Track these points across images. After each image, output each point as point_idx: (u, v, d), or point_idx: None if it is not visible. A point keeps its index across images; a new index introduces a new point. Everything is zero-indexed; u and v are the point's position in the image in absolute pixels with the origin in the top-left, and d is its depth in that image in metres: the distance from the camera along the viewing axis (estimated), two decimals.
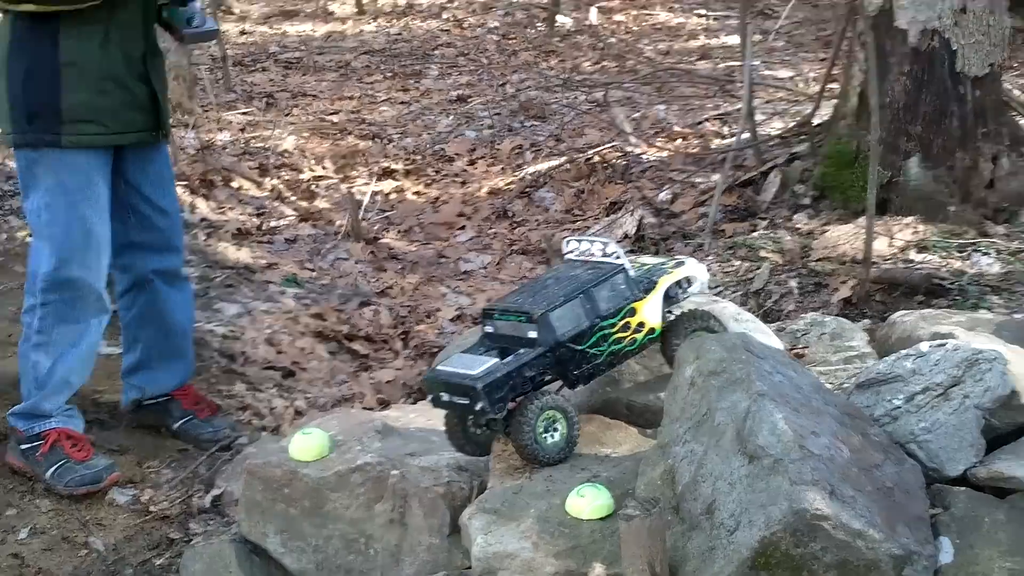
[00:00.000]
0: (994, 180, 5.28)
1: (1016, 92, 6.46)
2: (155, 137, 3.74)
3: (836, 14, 6.81)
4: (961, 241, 4.98)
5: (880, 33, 5.15)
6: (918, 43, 5.13)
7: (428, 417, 3.37)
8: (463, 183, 6.25)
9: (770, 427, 2.63)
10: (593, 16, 9.57)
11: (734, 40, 8.63)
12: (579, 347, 3.10)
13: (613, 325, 3.16)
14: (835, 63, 5.83)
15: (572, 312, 3.09)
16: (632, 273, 3.22)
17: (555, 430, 3.03)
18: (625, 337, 3.18)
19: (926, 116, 5.21)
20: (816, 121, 5.89)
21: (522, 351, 3.07)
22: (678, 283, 3.33)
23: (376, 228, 5.68)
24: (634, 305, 3.20)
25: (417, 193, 6.15)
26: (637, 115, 7.00)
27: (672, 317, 3.29)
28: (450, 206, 5.92)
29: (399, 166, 6.42)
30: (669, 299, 3.30)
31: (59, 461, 3.64)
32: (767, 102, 6.96)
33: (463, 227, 5.72)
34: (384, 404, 4.02)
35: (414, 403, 3.83)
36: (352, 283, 4.98)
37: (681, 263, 3.38)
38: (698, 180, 5.86)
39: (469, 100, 7.53)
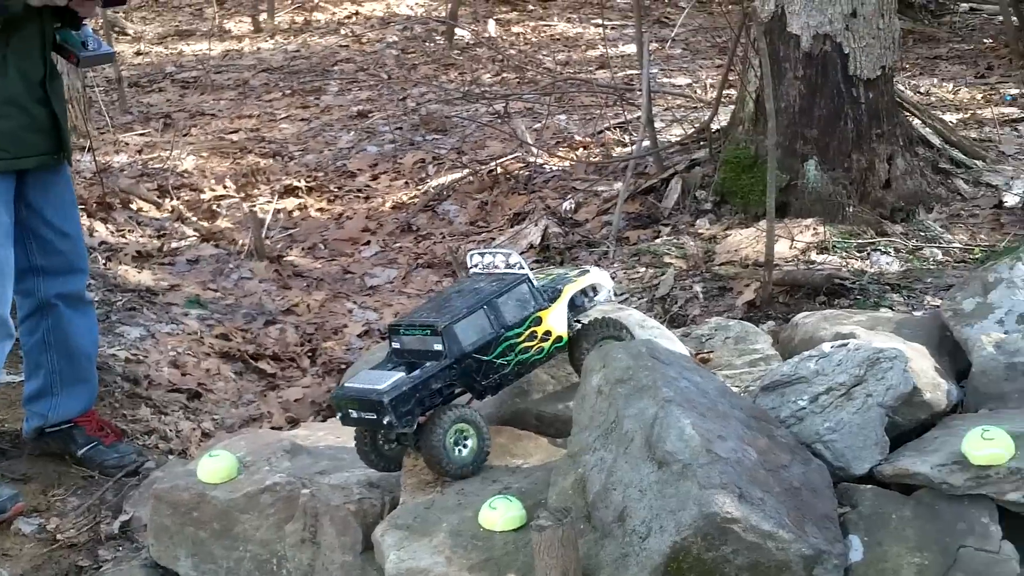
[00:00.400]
0: (890, 180, 5.38)
1: (908, 93, 6.60)
2: (57, 160, 3.69)
3: (731, 21, 6.90)
4: (860, 241, 5.07)
5: (774, 39, 5.22)
6: (811, 48, 5.20)
7: (338, 435, 3.35)
8: (367, 198, 6.21)
9: (678, 433, 2.65)
10: (491, 28, 9.59)
11: (631, 49, 8.70)
12: (485, 357, 3.11)
13: (519, 335, 3.17)
14: (731, 69, 5.90)
15: (477, 323, 3.10)
16: (536, 283, 3.23)
17: (465, 442, 3.02)
18: (532, 346, 3.19)
19: (821, 119, 5.29)
20: (714, 127, 5.95)
21: (428, 364, 3.06)
22: (584, 291, 3.35)
23: (280, 246, 5.63)
24: (539, 314, 3.21)
25: (320, 210, 6.11)
26: (538, 126, 7.02)
27: (579, 326, 3.30)
28: (354, 222, 5.88)
29: (301, 183, 6.36)
30: (575, 307, 3.32)
31: None
32: (666, 109, 7.03)
33: (368, 242, 5.69)
34: (293, 423, 3.99)
35: (323, 421, 3.80)
36: (257, 302, 4.93)
37: (586, 272, 3.40)
38: (601, 188, 5.89)
39: (370, 115, 7.49)
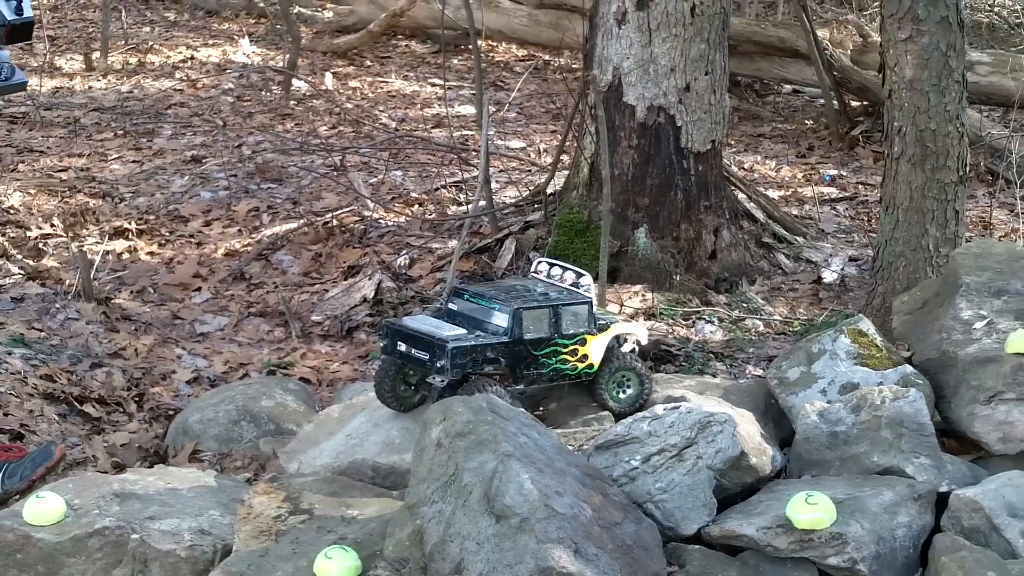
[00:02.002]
0: (716, 251, 5.55)
1: (734, 168, 6.85)
2: None
3: (569, 87, 7.05)
4: (686, 309, 5.21)
5: (610, 108, 5.35)
6: (645, 119, 5.35)
7: (167, 480, 3.28)
8: (199, 244, 6.09)
9: (517, 487, 2.67)
10: (329, 81, 9.57)
11: (468, 110, 8.81)
12: (535, 351, 3.45)
13: (566, 346, 3.50)
14: (567, 135, 6.03)
15: (541, 318, 3.44)
16: (596, 309, 3.56)
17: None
18: (570, 361, 3.52)
19: (653, 189, 5.43)
20: (549, 190, 6.05)
21: (490, 334, 3.39)
22: (618, 336, 3.66)
23: (108, 288, 5.46)
24: (587, 337, 3.53)
25: (151, 253, 5.96)
26: (375, 180, 7.02)
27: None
28: (185, 267, 5.75)
29: (132, 225, 6.20)
30: (609, 346, 3.62)
31: None
32: (502, 171, 7.12)
33: (199, 288, 5.57)
34: (119, 467, 3.86)
35: (151, 466, 3.69)
36: (83, 344, 4.77)
37: (631, 320, 3.79)
38: (435, 246, 5.92)
39: (204, 161, 7.36)
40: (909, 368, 3.49)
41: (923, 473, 3.09)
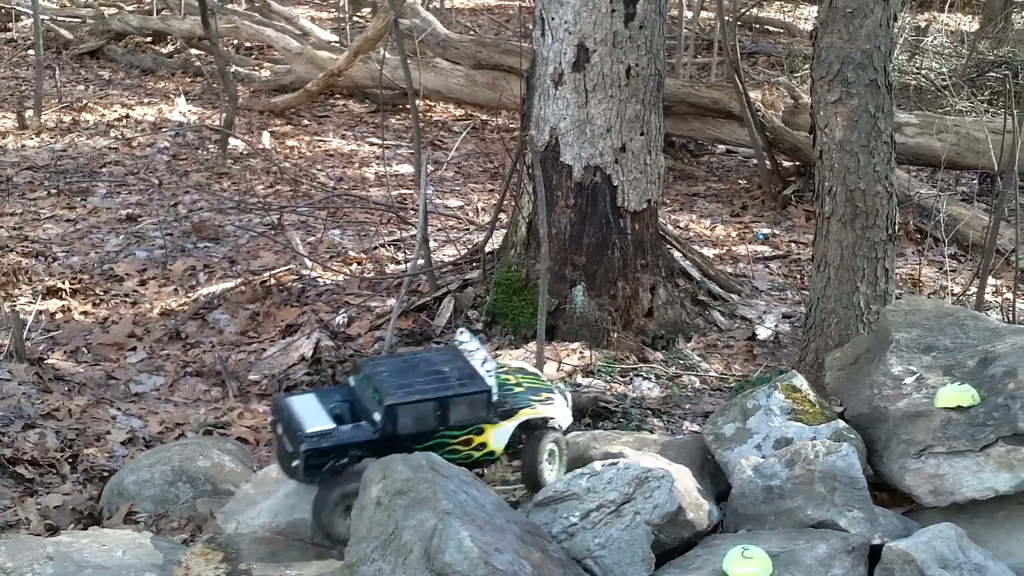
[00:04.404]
0: (652, 309, 5.61)
1: (670, 227, 6.94)
2: None
3: (506, 147, 7.12)
4: (624, 366, 5.25)
5: (547, 167, 5.41)
6: (582, 178, 5.41)
7: (102, 543, 3.22)
8: (134, 303, 6.04)
9: (456, 544, 2.67)
10: (266, 140, 9.58)
11: (406, 169, 8.86)
12: (416, 445, 3.20)
13: (455, 437, 3.29)
14: (505, 194, 6.08)
15: (422, 413, 3.21)
16: (495, 397, 3.32)
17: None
18: (462, 451, 3.30)
19: (590, 247, 5.48)
20: (488, 249, 6.09)
21: (362, 425, 3.20)
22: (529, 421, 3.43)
23: (41, 348, 5.39)
24: (484, 426, 3.32)
25: (85, 313, 5.90)
26: (313, 239, 7.03)
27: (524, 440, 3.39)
28: (120, 327, 5.70)
29: (65, 285, 6.14)
30: (529, 427, 3.41)
31: None
32: (440, 229, 7.16)
33: (134, 348, 5.52)
34: (53, 530, 3.79)
35: (85, 528, 3.63)
36: (15, 404, 4.70)
37: (551, 400, 3.48)
38: (374, 304, 5.92)
39: (139, 219, 7.32)
40: (842, 423, 3.55)
41: (856, 526, 3.13)
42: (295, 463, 3.12)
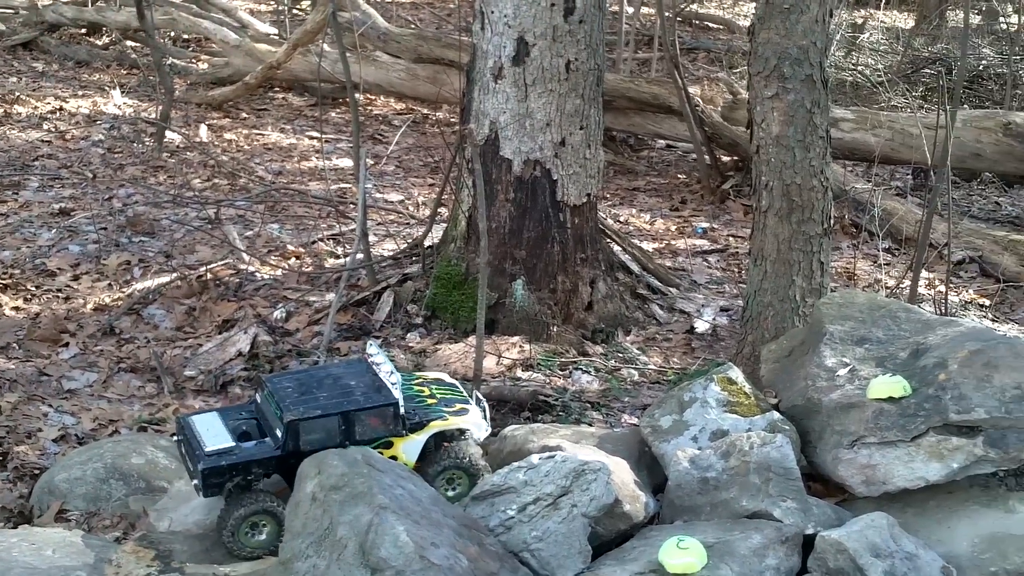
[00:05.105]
0: (592, 303, 5.62)
1: (610, 221, 6.96)
2: None
3: (446, 141, 7.09)
4: (563, 360, 5.26)
5: (487, 161, 5.40)
6: (522, 172, 5.40)
7: (32, 541, 3.17)
8: (67, 298, 5.94)
9: (392, 539, 2.66)
10: (203, 133, 9.47)
11: (346, 163, 8.80)
12: None
13: None
14: (445, 188, 6.06)
15: (326, 428, 3.19)
16: (403, 410, 3.29)
17: (263, 529, 3.16)
18: None
19: (530, 241, 5.48)
20: (427, 243, 6.07)
21: (265, 442, 3.20)
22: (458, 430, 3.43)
23: None
24: (392, 439, 3.30)
25: (16, 308, 5.79)
26: (250, 233, 6.96)
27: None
28: (52, 322, 5.60)
29: None
30: (443, 438, 3.40)
31: None
32: (380, 224, 7.12)
33: (67, 344, 5.43)
34: None
35: (15, 527, 3.56)
36: None
37: (465, 411, 3.46)
38: (313, 299, 5.88)
39: (73, 214, 7.21)
40: (776, 415, 3.58)
41: (790, 516, 3.16)
42: (194, 482, 3.15)
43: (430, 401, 3.49)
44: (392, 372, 3.38)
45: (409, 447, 3.34)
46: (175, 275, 6.16)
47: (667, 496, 3.39)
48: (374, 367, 3.46)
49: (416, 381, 3.63)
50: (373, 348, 3.54)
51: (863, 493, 3.31)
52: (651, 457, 3.61)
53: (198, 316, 5.76)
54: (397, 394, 3.31)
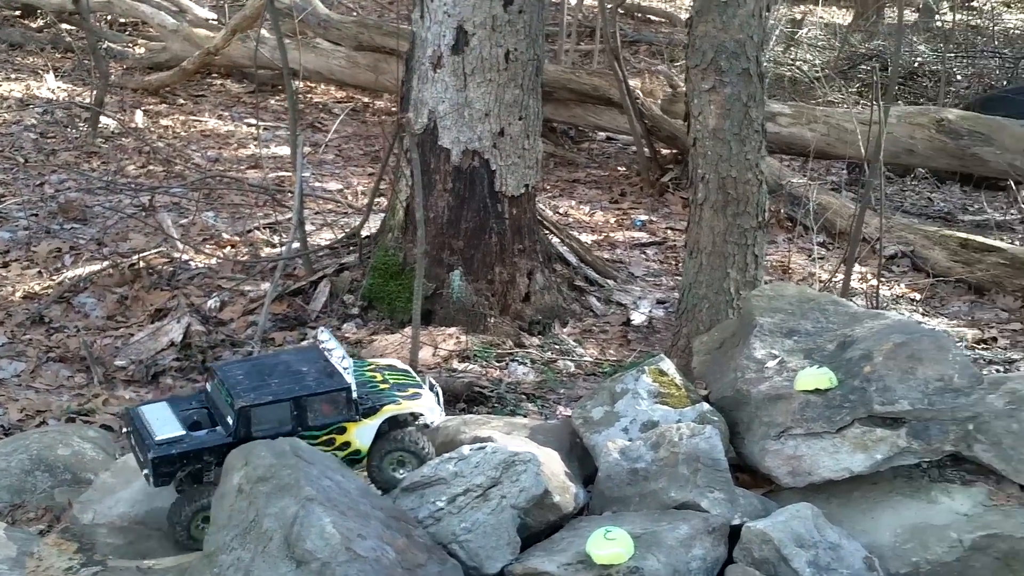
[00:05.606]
0: (529, 294, 5.62)
1: (549, 213, 6.97)
2: None
3: (384, 131, 7.06)
4: (500, 351, 5.26)
5: (426, 151, 5.38)
6: (460, 162, 5.39)
7: None
8: None
9: (318, 531, 2.65)
10: (139, 119, 9.36)
11: (284, 151, 8.73)
12: None
13: (315, 437, 3.22)
14: (383, 178, 6.03)
15: (277, 414, 3.16)
16: (355, 394, 3.27)
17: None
18: (325, 451, 3.21)
19: (468, 231, 5.47)
20: (365, 233, 6.03)
21: (217, 430, 3.17)
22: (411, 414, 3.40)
23: None
24: (346, 424, 3.27)
25: None
26: (185, 221, 6.88)
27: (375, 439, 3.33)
28: None
29: None
30: (397, 423, 3.37)
31: None
32: (317, 213, 7.07)
33: None
34: None
35: None
36: None
37: (418, 395, 3.43)
38: (248, 288, 5.83)
39: (3, 199, 7.09)
40: (706, 406, 3.60)
41: (717, 507, 3.18)
42: (145, 472, 3.10)
43: (383, 386, 3.48)
44: (344, 357, 3.37)
45: (362, 432, 3.31)
46: (107, 263, 6.08)
47: (597, 487, 3.40)
48: (326, 353, 3.44)
49: (368, 368, 3.62)
50: (325, 334, 3.52)
51: (789, 484, 3.34)
52: (583, 448, 3.62)
53: (130, 305, 5.69)
54: (349, 379, 3.29)
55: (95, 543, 3.01)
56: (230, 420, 3.14)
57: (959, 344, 5.55)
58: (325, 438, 3.25)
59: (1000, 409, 3.38)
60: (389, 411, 3.36)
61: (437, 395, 3.57)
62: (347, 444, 3.28)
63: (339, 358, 3.37)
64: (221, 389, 3.24)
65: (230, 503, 2.81)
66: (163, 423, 3.18)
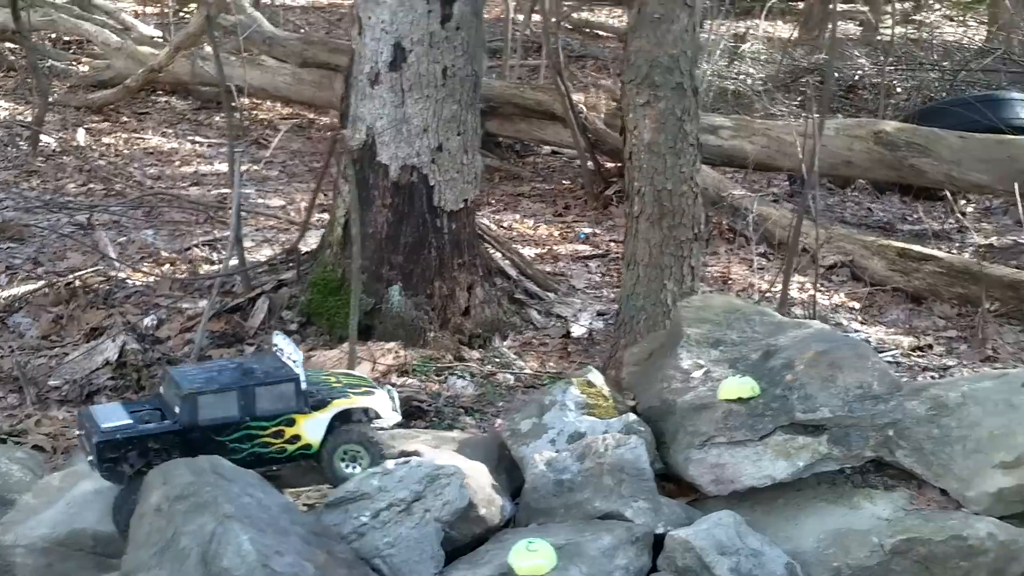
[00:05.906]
0: (469, 308, 5.62)
1: (492, 227, 6.98)
2: None
3: (323, 147, 7.05)
4: (439, 365, 5.25)
5: (364, 167, 5.37)
6: (399, 178, 5.38)
7: None
8: None
9: (235, 548, 2.63)
10: (81, 137, 9.29)
11: (227, 168, 8.69)
12: (219, 438, 3.20)
13: (264, 428, 3.26)
14: (321, 193, 6.01)
15: (224, 402, 3.18)
16: (304, 386, 3.29)
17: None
18: (274, 444, 3.27)
19: (407, 247, 5.46)
20: (304, 249, 6.01)
21: (165, 422, 3.17)
22: (363, 410, 3.42)
23: None
24: (294, 416, 3.29)
25: None
26: (124, 239, 6.83)
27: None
28: None
29: None
30: (350, 420, 3.39)
31: None
32: (258, 229, 7.05)
33: None
34: None
35: None
36: None
37: (371, 392, 3.46)
38: (185, 306, 5.79)
39: None
40: (632, 416, 3.61)
41: (641, 516, 3.19)
42: (90, 458, 3.11)
43: (335, 384, 3.51)
44: (294, 351, 3.39)
45: (312, 424, 3.33)
46: (43, 283, 6.02)
47: (524, 499, 3.41)
48: (277, 352, 3.48)
49: (325, 374, 3.69)
50: (279, 337, 3.55)
51: (713, 492, 3.36)
52: (511, 461, 3.62)
53: (65, 324, 5.64)
54: (299, 371, 3.31)
55: (13, 565, 2.97)
56: (177, 409, 3.16)
57: (889, 353, 5.62)
58: (274, 430, 3.28)
59: (922, 415, 3.42)
60: (340, 404, 3.38)
61: (393, 399, 3.59)
62: (297, 437, 3.31)
63: (290, 352, 3.40)
64: (172, 386, 3.26)
65: (149, 521, 2.80)
66: (112, 416, 3.22)
